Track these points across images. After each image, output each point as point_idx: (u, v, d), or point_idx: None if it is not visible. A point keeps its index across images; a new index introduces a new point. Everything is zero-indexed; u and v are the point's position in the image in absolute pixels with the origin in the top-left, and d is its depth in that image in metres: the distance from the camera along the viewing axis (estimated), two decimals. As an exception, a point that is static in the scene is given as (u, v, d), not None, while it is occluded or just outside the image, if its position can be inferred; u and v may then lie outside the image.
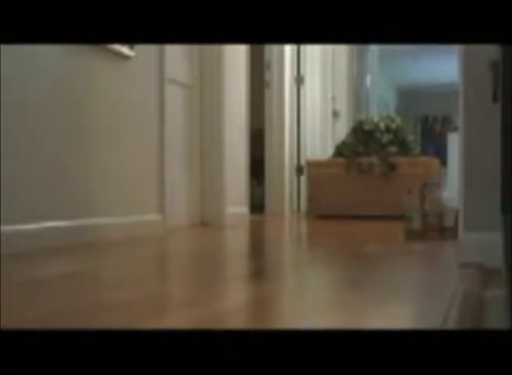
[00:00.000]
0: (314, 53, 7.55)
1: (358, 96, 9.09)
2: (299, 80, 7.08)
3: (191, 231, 4.16)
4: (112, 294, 1.72)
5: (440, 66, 11.90)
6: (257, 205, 6.70)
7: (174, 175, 4.38)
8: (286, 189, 6.72)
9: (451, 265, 2.40)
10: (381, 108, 10.62)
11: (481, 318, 1.44)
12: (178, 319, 1.40)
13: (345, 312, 1.47)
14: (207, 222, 4.80)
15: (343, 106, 8.44)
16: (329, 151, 7.41)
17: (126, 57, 3.62)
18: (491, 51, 2.26)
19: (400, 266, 2.37)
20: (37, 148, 2.89)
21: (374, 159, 5.79)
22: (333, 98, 8.16)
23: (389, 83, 13.76)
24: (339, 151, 6.16)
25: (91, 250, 2.88)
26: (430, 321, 1.39)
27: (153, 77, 3.97)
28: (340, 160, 5.95)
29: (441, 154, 9.13)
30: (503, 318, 1.41)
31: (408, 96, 14.84)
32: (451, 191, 4.20)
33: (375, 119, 6.28)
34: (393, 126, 6.05)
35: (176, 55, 4.45)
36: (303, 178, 6.87)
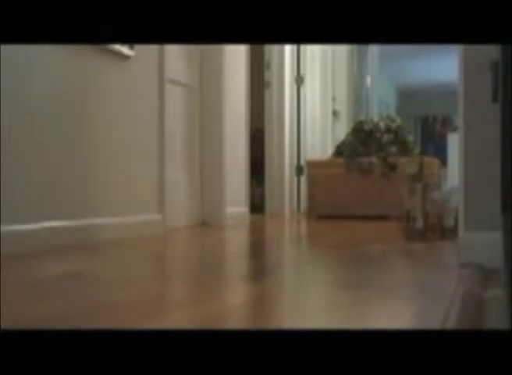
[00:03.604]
0: (314, 53, 7.55)
1: (358, 96, 9.09)
2: (299, 80, 7.08)
3: (191, 231, 4.16)
4: (112, 294, 1.72)
5: (440, 66, 11.89)
6: (257, 205, 6.70)
7: (174, 175, 4.38)
8: (286, 189, 6.71)
9: (451, 265, 2.40)
10: (381, 109, 10.62)
11: (481, 318, 1.44)
12: (178, 319, 1.40)
13: (345, 312, 1.47)
14: (207, 222, 4.80)
15: (343, 106, 8.43)
16: (329, 151, 7.41)
17: (126, 57, 3.62)
18: (491, 51, 2.26)
19: (399, 266, 2.37)
20: (36, 148, 2.89)
21: (374, 159, 5.79)
22: (333, 98, 8.15)
23: (389, 84, 13.76)
24: (339, 151, 6.16)
25: (91, 250, 2.88)
26: (430, 321, 1.39)
27: (153, 77, 3.97)
28: (340, 160, 5.95)
29: (441, 154, 9.13)
30: (503, 318, 1.41)
31: (408, 96, 14.83)
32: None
33: (375, 119, 6.28)
34: (393, 126, 6.05)
35: (176, 55, 4.45)
36: (303, 178, 6.87)
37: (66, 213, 3.07)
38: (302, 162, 6.95)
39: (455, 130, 11.21)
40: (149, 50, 3.90)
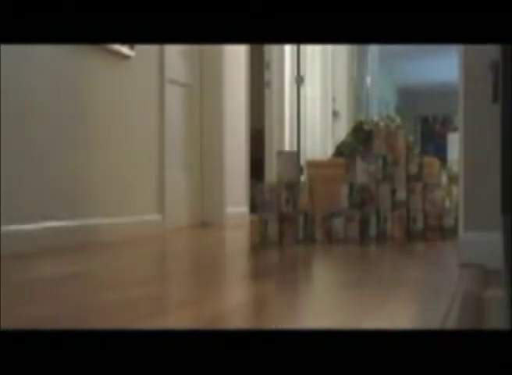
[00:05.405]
0: (314, 53, 7.55)
1: (358, 96, 9.08)
2: (299, 80, 7.08)
3: (191, 231, 4.16)
4: (112, 294, 1.72)
5: (440, 66, 11.88)
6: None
7: (174, 175, 4.38)
8: (286, 189, 6.70)
9: (451, 265, 2.40)
10: (381, 108, 10.61)
11: (481, 318, 1.44)
12: (178, 319, 1.40)
13: (345, 312, 1.47)
14: (207, 222, 4.80)
15: (343, 106, 8.43)
16: (329, 151, 7.40)
17: (126, 57, 3.62)
18: (491, 51, 2.26)
19: (400, 266, 2.37)
20: (36, 148, 2.89)
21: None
22: (333, 99, 8.15)
23: (389, 84, 13.75)
24: (339, 151, 6.15)
25: (91, 250, 2.88)
26: (430, 321, 1.39)
27: (153, 77, 3.97)
28: (340, 160, 5.95)
29: (441, 154, 9.12)
30: (503, 318, 1.41)
31: (408, 96, 14.82)
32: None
33: (375, 119, 6.27)
34: (393, 126, 6.04)
35: (176, 55, 4.45)
36: (303, 178, 6.87)
37: (66, 213, 3.07)
38: (302, 162, 6.95)
39: (455, 130, 11.21)
40: (149, 50, 3.90)
